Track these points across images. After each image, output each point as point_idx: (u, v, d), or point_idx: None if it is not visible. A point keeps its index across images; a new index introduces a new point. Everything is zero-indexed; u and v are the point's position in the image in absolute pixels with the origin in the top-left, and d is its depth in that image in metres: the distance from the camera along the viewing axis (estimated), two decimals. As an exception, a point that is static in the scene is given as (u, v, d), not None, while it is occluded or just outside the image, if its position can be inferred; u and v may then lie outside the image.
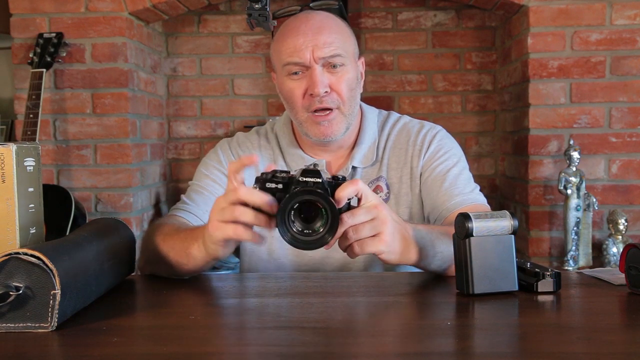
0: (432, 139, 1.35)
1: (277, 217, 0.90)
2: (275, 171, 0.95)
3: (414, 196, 1.33)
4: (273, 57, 1.34)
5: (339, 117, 1.28)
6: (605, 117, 2.45)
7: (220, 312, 0.92)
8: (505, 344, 0.76)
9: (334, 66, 1.26)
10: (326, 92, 1.25)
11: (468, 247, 0.93)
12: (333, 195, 0.92)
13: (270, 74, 1.40)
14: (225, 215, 0.95)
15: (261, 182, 0.94)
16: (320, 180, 0.91)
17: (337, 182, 0.94)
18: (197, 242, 1.05)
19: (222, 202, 0.97)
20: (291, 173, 0.95)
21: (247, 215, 0.93)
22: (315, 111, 1.26)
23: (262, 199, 0.92)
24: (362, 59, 1.36)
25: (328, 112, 1.26)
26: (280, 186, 0.93)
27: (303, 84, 1.26)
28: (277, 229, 0.90)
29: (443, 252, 1.06)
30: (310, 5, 1.39)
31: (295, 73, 1.26)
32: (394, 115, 1.42)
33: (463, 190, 1.27)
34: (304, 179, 0.91)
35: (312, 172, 0.92)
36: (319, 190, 0.89)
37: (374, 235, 0.94)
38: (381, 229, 0.94)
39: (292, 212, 0.90)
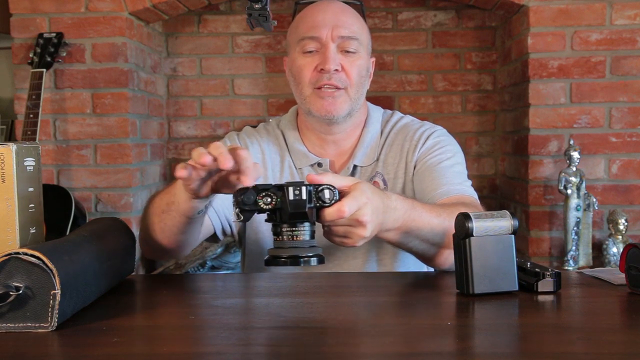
0: (430, 136, 1.35)
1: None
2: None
3: (408, 191, 1.33)
4: (289, 37, 1.36)
5: (345, 96, 1.29)
6: (605, 117, 2.45)
7: (220, 312, 0.91)
8: (505, 344, 0.76)
9: (347, 51, 1.29)
10: (336, 70, 1.27)
11: (468, 247, 0.93)
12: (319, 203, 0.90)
13: (283, 60, 1.42)
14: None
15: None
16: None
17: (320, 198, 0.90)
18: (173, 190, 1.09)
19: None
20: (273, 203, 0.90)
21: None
22: (322, 87, 1.27)
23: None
24: (374, 59, 1.39)
25: (335, 89, 1.28)
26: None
27: (315, 60, 1.28)
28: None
29: (433, 226, 1.06)
30: None
31: (310, 52, 1.29)
32: (397, 114, 1.43)
33: (451, 181, 1.26)
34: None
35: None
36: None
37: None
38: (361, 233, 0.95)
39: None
